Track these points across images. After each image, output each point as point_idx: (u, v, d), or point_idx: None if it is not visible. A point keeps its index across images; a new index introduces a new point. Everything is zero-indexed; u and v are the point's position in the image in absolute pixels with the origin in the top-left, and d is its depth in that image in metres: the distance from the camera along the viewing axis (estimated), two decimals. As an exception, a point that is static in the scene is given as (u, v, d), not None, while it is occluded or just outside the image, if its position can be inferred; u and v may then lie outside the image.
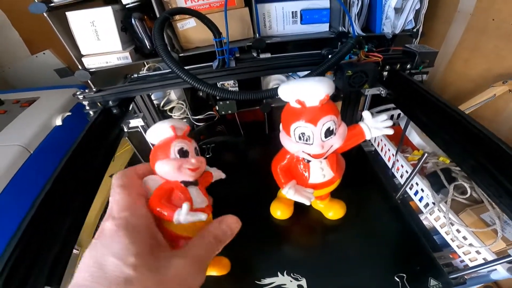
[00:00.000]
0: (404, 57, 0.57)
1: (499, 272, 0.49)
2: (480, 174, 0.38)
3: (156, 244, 0.22)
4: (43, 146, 0.70)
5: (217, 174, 0.38)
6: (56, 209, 0.36)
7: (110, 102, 0.60)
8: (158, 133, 0.31)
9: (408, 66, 0.56)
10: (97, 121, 0.57)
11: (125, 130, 0.60)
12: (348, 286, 0.44)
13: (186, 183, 0.30)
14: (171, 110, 0.87)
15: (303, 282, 0.45)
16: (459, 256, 0.57)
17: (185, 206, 0.26)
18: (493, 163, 0.37)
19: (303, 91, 0.32)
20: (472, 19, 0.75)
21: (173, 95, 0.88)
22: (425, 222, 0.68)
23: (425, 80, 0.59)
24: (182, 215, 0.26)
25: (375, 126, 0.37)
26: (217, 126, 0.86)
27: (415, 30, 0.73)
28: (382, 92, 0.56)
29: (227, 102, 0.73)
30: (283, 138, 0.35)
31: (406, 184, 0.54)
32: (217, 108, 0.74)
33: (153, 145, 0.31)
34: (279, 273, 0.46)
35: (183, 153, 0.30)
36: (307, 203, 0.38)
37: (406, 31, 0.74)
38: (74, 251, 0.66)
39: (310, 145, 0.33)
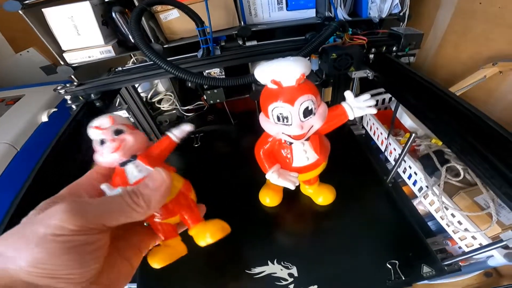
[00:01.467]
0: (389, 40, 0.55)
1: (496, 258, 0.48)
2: (470, 153, 0.37)
3: None
4: (30, 143, 0.69)
5: (179, 135, 0.34)
6: (36, 204, 0.35)
7: (92, 96, 0.59)
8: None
9: (394, 48, 0.55)
10: (79, 115, 0.55)
11: (108, 123, 0.58)
12: (339, 274, 0.44)
13: (123, 163, 0.31)
14: (159, 102, 0.86)
15: (294, 270, 0.44)
16: (456, 243, 0.56)
17: (103, 186, 0.29)
18: (483, 142, 0.36)
19: (278, 71, 0.30)
20: (459, 2, 0.74)
21: (160, 86, 0.86)
22: (420, 207, 0.67)
23: (416, 63, 0.58)
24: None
25: (357, 106, 0.36)
26: (208, 116, 0.84)
27: (401, 13, 0.71)
28: (369, 75, 0.55)
29: (215, 91, 0.72)
30: (263, 120, 0.34)
31: (396, 165, 0.53)
32: (205, 98, 0.73)
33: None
34: (269, 262, 0.45)
35: (101, 142, 0.30)
36: (292, 187, 0.37)
37: (393, 15, 0.72)
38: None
39: (289, 125, 0.32)
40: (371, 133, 0.78)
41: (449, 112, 0.41)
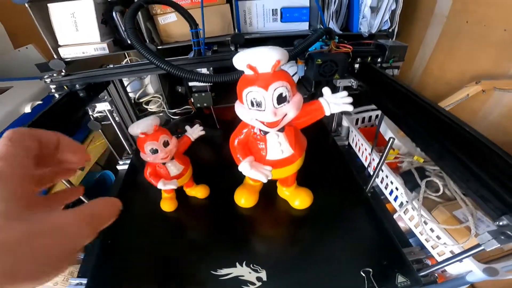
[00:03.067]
0: (375, 51, 0.57)
1: (475, 273, 0.47)
2: (446, 158, 0.36)
3: (32, 200, 0.19)
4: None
5: (195, 136, 0.52)
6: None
7: (77, 86, 0.59)
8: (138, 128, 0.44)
9: (379, 59, 0.56)
10: (60, 102, 0.55)
11: (90, 113, 0.58)
12: (311, 280, 0.42)
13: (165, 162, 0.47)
14: (147, 103, 0.86)
15: (263, 274, 0.42)
16: (437, 261, 0.54)
17: (160, 182, 0.47)
18: (459, 148, 0.36)
19: (254, 56, 0.31)
20: (447, 22, 0.77)
21: (150, 88, 0.86)
22: (401, 224, 0.66)
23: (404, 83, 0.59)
24: (160, 186, 0.47)
25: (334, 102, 0.36)
26: (194, 120, 0.84)
27: (390, 30, 0.74)
28: (353, 84, 0.56)
29: (202, 94, 0.72)
30: (238, 107, 0.34)
31: (375, 173, 0.53)
32: (192, 100, 0.73)
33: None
34: (237, 264, 0.43)
35: (154, 151, 0.43)
36: (264, 180, 0.36)
37: (382, 31, 0.75)
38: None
39: (262, 111, 0.31)
40: (356, 149, 0.78)
41: (426, 119, 0.41)
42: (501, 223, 0.29)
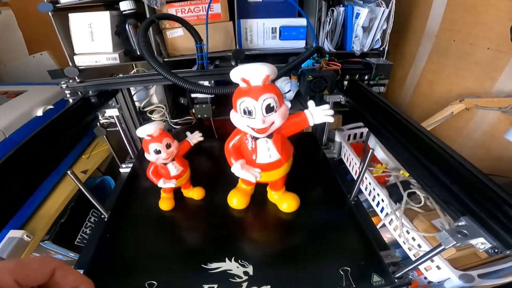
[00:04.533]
0: (362, 69, 0.62)
1: (452, 280, 0.50)
2: (414, 165, 0.41)
3: None
4: (19, 133, 0.72)
5: (195, 141, 0.57)
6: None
7: (90, 92, 0.64)
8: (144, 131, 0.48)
9: (366, 77, 0.61)
10: (73, 106, 0.60)
11: (100, 118, 0.63)
12: (293, 276, 0.45)
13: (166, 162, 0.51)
14: (151, 112, 0.91)
15: (250, 269, 0.46)
16: (422, 273, 0.57)
17: (161, 181, 0.51)
18: (428, 157, 0.40)
19: (248, 71, 0.36)
20: (436, 40, 0.81)
21: (155, 98, 0.92)
22: (387, 235, 0.69)
23: (395, 102, 0.63)
24: (160, 184, 0.51)
25: (317, 113, 0.41)
26: (195, 131, 0.89)
27: (381, 48, 0.79)
28: (341, 100, 0.61)
29: (203, 105, 0.77)
30: (232, 115, 0.39)
31: (359, 180, 0.57)
32: (194, 111, 0.78)
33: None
34: (226, 259, 0.47)
35: (157, 152, 0.48)
36: (253, 180, 0.40)
37: (374, 50, 0.81)
38: (26, 238, 0.66)
39: (253, 119, 0.36)
40: (347, 164, 0.82)
41: (400, 132, 0.46)
42: (460, 224, 0.33)
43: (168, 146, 0.49)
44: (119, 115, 0.65)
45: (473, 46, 0.72)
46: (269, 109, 0.37)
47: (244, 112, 0.37)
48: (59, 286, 0.21)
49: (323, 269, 0.45)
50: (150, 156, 0.49)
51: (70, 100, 0.64)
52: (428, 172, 0.38)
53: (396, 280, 0.44)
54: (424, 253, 0.39)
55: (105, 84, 0.63)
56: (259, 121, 0.36)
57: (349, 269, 0.45)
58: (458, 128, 0.78)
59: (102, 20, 0.82)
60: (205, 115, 0.79)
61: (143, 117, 0.92)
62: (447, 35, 0.79)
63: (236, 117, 0.39)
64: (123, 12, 0.83)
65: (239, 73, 0.37)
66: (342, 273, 0.44)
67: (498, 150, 0.71)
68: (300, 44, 0.86)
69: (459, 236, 0.32)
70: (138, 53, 0.87)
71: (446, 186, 0.36)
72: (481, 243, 0.31)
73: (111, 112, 0.63)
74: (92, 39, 0.84)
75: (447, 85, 0.81)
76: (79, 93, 0.65)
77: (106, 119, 0.66)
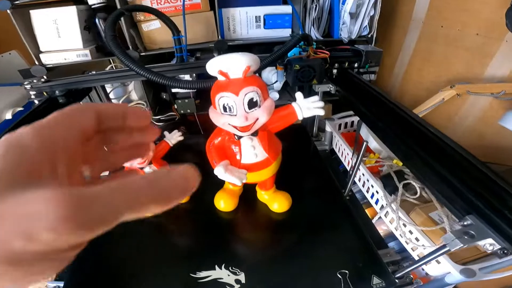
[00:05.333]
0: (352, 56, 0.58)
1: (453, 275, 0.48)
2: (412, 158, 0.38)
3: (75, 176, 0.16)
4: (-14, 138, 0.66)
5: (174, 141, 0.51)
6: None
7: (57, 92, 0.58)
8: None
9: (356, 65, 0.58)
10: (39, 108, 0.55)
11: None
12: (288, 282, 0.42)
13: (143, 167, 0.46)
14: (131, 109, 0.85)
15: (242, 276, 0.42)
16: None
17: None
18: (426, 149, 0.37)
19: (225, 62, 0.32)
20: (424, 27, 0.79)
21: (134, 95, 0.86)
22: (383, 227, 0.67)
23: (384, 90, 0.60)
24: None
25: (306, 106, 0.37)
26: (180, 127, 0.84)
27: (369, 35, 0.76)
28: (331, 89, 0.57)
29: (186, 100, 0.72)
30: (211, 112, 0.35)
31: (353, 173, 0.54)
32: (176, 107, 0.73)
33: None
34: (216, 266, 0.43)
35: None
36: (238, 183, 0.36)
37: (362, 37, 0.77)
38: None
39: (234, 116, 0.32)
40: (339, 154, 0.80)
41: (396, 122, 0.43)
42: (465, 223, 0.30)
43: None
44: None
45: (461, 32, 0.71)
46: (252, 104, 0.32)
47: (224, 109, 0.32)
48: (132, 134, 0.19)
49: (320, 274, 0.42)
50: None
51: (36, 102, 0.59)
52: (428, 167, 0.35)
53: (397, 281, 0.42)
54: (424, 249, 0.37)
55: (73, 83, 0.58)
56: (241, 118, 0.32)
57: (347, 272, 0.42)
58: (449, 115, 0.76)
59: (68, 15, 0.77)
60: (189, 110, 0.75)
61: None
62: (435, 22, 0.77)
63: (215, 115, 0.34)
64: (92, 6, 0.77)
65: (215, 65, 0.32)
66: (340, 276, 0.41)
67: (491, 136, 0.69)
68: (285, 32, 0.82)
69: (465, 237, 0.29)
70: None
71: (449, 181, 0.33)
72: (489, 244, 0.28)
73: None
74: (59, 36, 0.78)
75: (437, 71, 0.79)
76: (44, 93, 0.59)
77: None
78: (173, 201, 0.15)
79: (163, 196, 0.15)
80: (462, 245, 0.28)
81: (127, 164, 0.45)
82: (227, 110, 0.32)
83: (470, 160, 0.33)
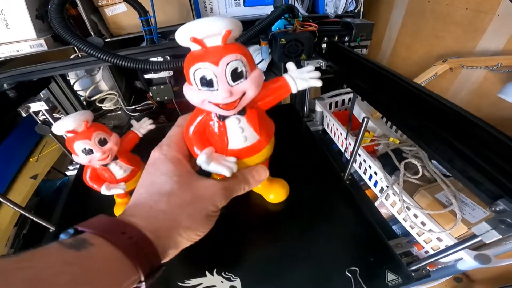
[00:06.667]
0: (341, 29, 0.53)
1: (466, 261, 0.44)
2: (424, 136, 0.33)
3: (190, 171, 0.29)
4: None
5: (143, 131, 0.44)
6: None
7: (5, 85, 0.50)
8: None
9: (346, 38, 0.53)
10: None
11: (24, 115, 0.49)
12: (291, 286, 0.37)
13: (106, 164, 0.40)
14: (101, 101, 0.77)
15: (237, 282, 0.37)
16: (423, 247, 0.51)
17: (103, 187, 0.40)
18: (439, 123, 0.32)
19: (199, 28, 0.25)
20: (410, 2, 0.76)
21: (103, 85, 0.78)
22: (383, 211, 0.63)
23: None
24: (103, 191, 0.40)
25: (301, 77, 0.31)
26: (159, 117, 0.76)
27: (356, 10, 0.72)
28: (322, 65, 0.52)
29: (162, 86, 0.65)
30: (186, 89, 0.28)
31: (352, 159, 0.49)
32: (151, 94, 0.66)
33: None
34: (207, 273, 0.38)
35: (87, 152, 0.36)
36: (227, 174, 0.29)
37: (348, 12, 0.73)
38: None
39: (215, 91, 0.25)
40: (332, 135, 0.75)
41: (400, 95, 0.38)
42: (497, 209, 0.25)
43: (102, 142, 0.37)
44: (48, 109, 0.51)
45: (450, 7, 0.69)
46: (237, 75, 0.26)
47: (202, 83, 0.25)
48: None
49: (326, 274, 0.37)
50: (79, 158, 0.37)
51: (-21, 97, 0.50)
52: (443, 142, 0.30)
53: (413, 274, 0.37)
54: (431, 234, 0.32)
55: (24, 74, 0.49)
56: (224, 92, 0.25)
57: (357, 269, 0.37)
58: (442, 89, 0.73)
59: (15, 4, 0.67)
60: (166, 98, 0.67)
61: (92, 108, 0.78)
62: (421, -4, 0.74)
63: (191, 91, 0.27)
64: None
65: (187, 32, 0.25)
66: (349, 275, 0.37)
67: (488, 108, 0.67)
68: (267, 10, 0.76)
69: (503, 227, 0.24)
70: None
71: (470, 159, 0.27)
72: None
73: (37, 107, 0.50)
74: (8, 27, 0.69)
75: (426, 47, 0.76)
76: (-10, 87, 0.50)
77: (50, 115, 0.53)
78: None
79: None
80: (500, 236, 0.23)
81: (85, 163, 0.38)
82: (206, 84, 0.26)
83: (492, 132, 0.29)
